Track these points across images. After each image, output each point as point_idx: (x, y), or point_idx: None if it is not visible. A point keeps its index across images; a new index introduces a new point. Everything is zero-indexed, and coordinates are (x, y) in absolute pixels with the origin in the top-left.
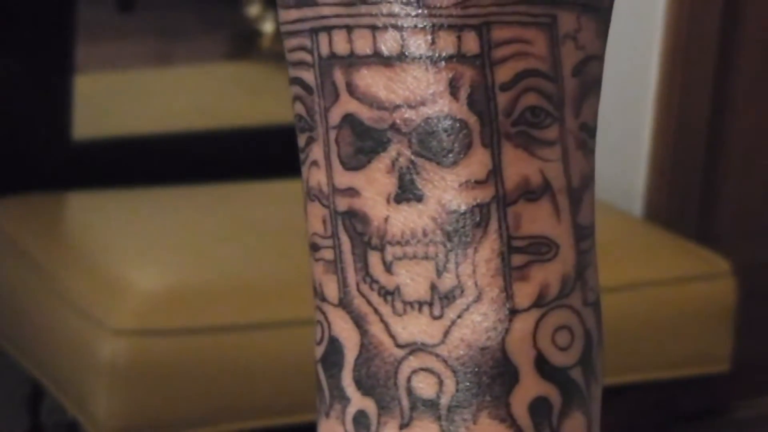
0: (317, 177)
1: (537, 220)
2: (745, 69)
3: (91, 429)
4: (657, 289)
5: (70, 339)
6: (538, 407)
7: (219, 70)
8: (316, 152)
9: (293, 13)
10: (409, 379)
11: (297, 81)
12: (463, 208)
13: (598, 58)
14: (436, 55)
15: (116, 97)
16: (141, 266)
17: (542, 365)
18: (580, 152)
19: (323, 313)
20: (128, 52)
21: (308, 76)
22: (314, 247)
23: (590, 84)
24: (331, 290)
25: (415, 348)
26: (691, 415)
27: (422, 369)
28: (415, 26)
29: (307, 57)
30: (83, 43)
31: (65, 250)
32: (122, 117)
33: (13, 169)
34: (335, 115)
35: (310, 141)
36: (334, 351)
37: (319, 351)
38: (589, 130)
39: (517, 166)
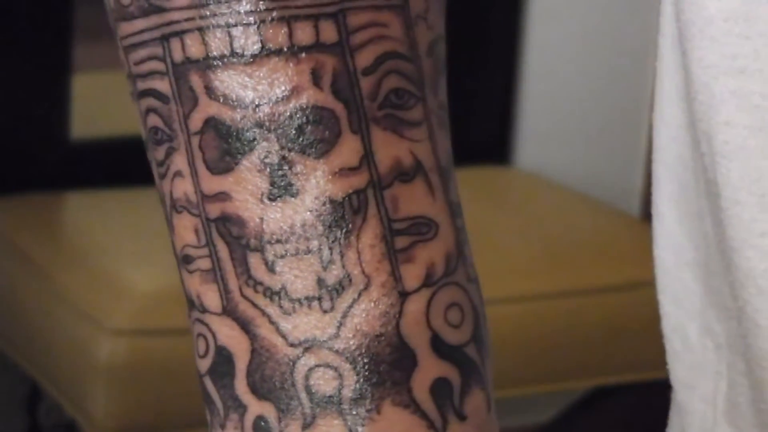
0: (182, 187)
1: (414, 200)
2: None
3: (89, 429)
4: (655, 289)
5: (68, 339)
6: (440, 388)
7: None
8: (179, 162)
9: (139, 23)
10: (306, 378)
11: (149, 93)
12: (340, 196)
13: (443, 38)
14: (296, 47)
15: (115, 96)
16: (140, 266)
17: (438, 345)
18: (443, 131)
19: (205, 324)
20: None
21: (162, 85)
22: (187, 260)
23: (441, 63)
24: (212, 299)
25: (308, 345)
26: None
27: (319, 365)
28: (272, 20)
29: (159, 66)
30: (81, 43)
31: (63, 250)
32: (121, 117)
33: (10, 168)
34: (196, 121)
35: (171, 152)
36: (222, 361)
37: (205, 364)
38: (445, 109)
39: (388, 149)
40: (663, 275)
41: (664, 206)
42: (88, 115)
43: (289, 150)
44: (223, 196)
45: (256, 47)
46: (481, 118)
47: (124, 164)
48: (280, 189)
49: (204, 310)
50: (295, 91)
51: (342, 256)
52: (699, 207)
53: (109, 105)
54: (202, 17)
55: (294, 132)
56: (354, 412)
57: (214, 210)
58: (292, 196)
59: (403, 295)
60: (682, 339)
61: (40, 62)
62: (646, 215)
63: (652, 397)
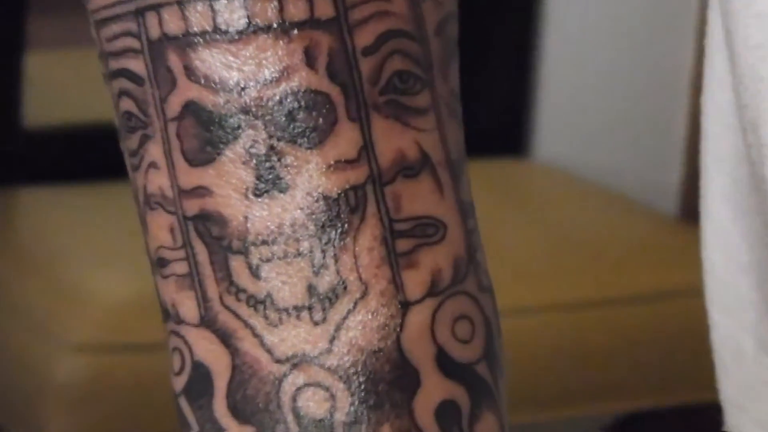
0: (158, 181)
1: (419, 198)
2: None
3: None
4: (696, 299)
5: (22, 355)
6: (446, 412)
7: None
8: (154, 152)
9: None
10: (294, 398)
11: (122, 73)
12: (335, 192)
13: (455, 16)
14: (287, 22)
15: (75, 78)
16: (104, 272)
17: (445, 363)
18: (454, 121)
19: (181, 337)
20: (88, 27)
21: (136, 65)
22: (161, 263)
23: (452, 44)
24: (189, 309)
25: (297, 361)
26: None
27: (308, 384)
28: None
29: (134, 43)
30: (36, 16)
31: (16, 254)
32: (82, 101)
33: None
34: (174, 105)
35: (145, 140)
36: (200, 378)
37: (180, 382)
38: (456, 97)
39: (391, 140)
40: (712, 281)
41: (714, 202)
42: (44, 99)
43: (278, 139)
44: (202, 191)
45: (242, 23)
46: (495, 104)
47: (86, 155)
48: (267, 183)
49: (180, 321)
50: (285, 73)
51: (336, 260)
52: (752, 204)
53: (69, 87)
54: None
55: (284, 119)
56: None
57: (192, 206)
58: (281, 191)
59: (405, 306)
60: (734, 354)
61: None
62: (685, 215)
63: (695, 423)
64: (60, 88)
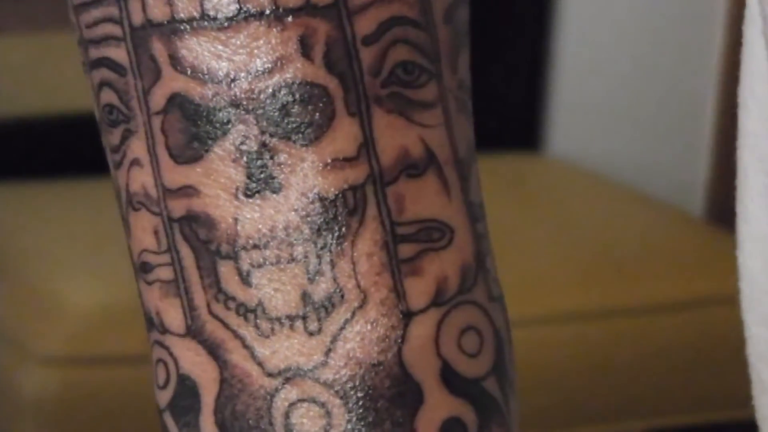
0: (141, 179)
1: (423, 199)
2: None
3: None
4: (724, 307)
5: None
6: (451, 430)
7: None
8: (137, 148)
9: None
10: (287, 415)
11: (102, 62)
12: (332, 193)
13: (466, 2)
14: (281, 8)
15: (38, 65)
16: (75, 279)
17: (450, 377)
18: (463, 116)
19: (165, 348)
20: (52, 9)
21: (118, 54)
22: (145, 268)
23: (462, 33)
24: (174, 318)
25: (290, 375)
26: None
27: (302, 400)
28: None
29: (115, 29)
30: None
31: None
32: (46, 91)
33: None
34: (158, 98)
35: (128, 135)
36: (186, 392)
37: (165, 396)
38: (466, 89)
39: (393, 136)
40: (750, 289)
41: (752, 203)
42: (7, 88)
43: (271, 135)
44: (189, 191)
45: (233, 8)
46: (506, 96)
47: (54, 150)
48: (259, 183)
49: (164, 331)
50: (279, 63)
51: (333, 266)
52: None
53: (32, 76)
54: None
55: (277, 113)
56: None
57: (178, 207)
58: (274, 191)
59: (407, 316)
60: None
61: None
62: (712, 215)
63: None
64: (23, 76)
